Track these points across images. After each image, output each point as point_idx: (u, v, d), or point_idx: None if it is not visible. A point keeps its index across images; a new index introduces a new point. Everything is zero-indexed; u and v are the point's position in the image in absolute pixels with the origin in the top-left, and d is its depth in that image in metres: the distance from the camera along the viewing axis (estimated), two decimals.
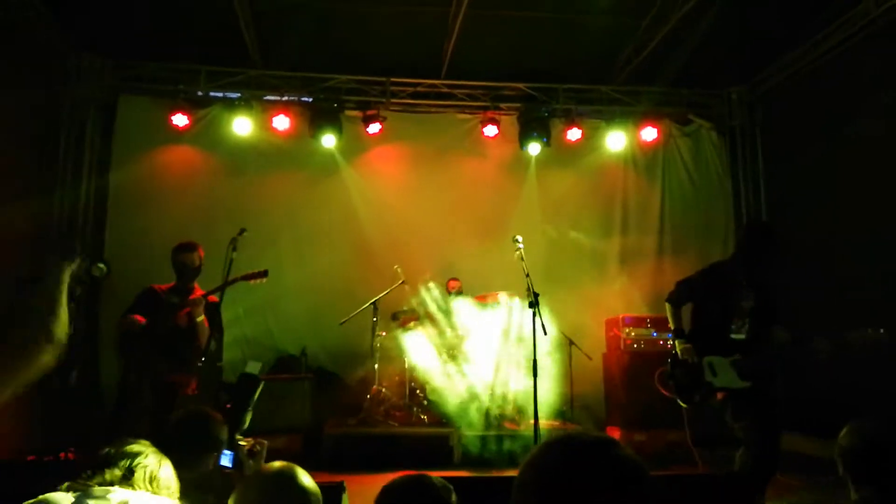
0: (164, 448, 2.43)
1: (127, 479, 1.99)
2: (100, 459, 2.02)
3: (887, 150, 6.37)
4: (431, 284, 7.66)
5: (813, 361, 4.07)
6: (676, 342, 4.41)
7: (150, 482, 2.03)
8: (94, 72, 7.92)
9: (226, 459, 2.69)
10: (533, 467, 1.12)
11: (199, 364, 4.77)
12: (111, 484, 1.96)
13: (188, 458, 2.48)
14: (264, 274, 5.04)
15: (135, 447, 2.08)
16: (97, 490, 1.91)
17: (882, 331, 3.83)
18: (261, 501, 1.81)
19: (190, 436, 2.58)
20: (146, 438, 2.08)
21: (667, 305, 4.56)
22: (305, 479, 1.88)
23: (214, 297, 4.97)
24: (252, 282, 5.03)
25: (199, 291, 5.05)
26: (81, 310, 7.46)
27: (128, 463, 2.01)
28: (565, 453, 1.10)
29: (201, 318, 4.85)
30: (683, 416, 4.93)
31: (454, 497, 1.93)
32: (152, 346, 4.81)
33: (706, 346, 4.34)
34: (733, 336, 4.32)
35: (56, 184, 7.63)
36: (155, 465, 2.08)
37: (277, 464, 1.92)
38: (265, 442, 2.86)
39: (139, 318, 4.81)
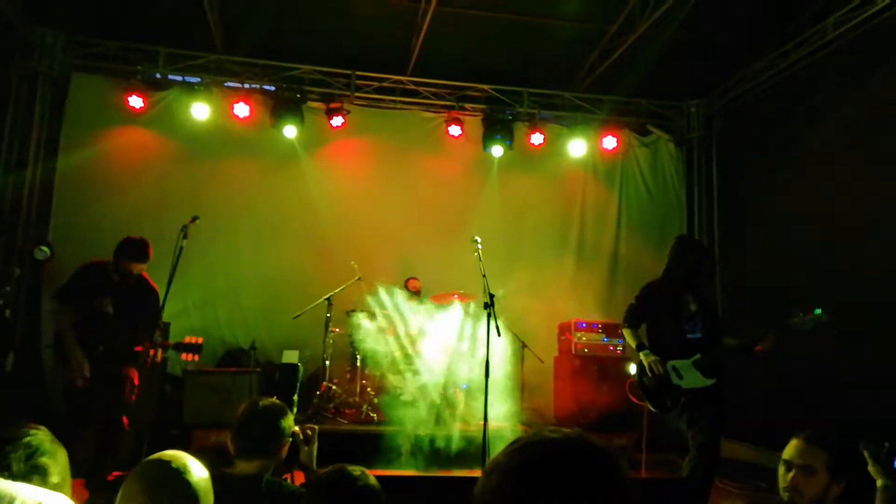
0: (241, 439, 2.55)
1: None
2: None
3: (838, 167, 6.59)
4: (389, 285, 7.61)
5: (761, 359, 4.27)
6: (641, 354, 4.53)
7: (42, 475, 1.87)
8: (47, 46, 7.61)
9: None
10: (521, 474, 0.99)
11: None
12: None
13: (266, 449, 2.59)
14: (198, 350, 4.83)
15: (33, 438, 1.89)
16: None
17: (819, 311, 4.00)
18: (144, 492, 1.72)
19: (265, 426, 2.63)
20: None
21: (624, 330, 4.70)
22: (196, 471, 1.79)
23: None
24: (184, 356, 4.84)
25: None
26: (21, 292, 7.21)
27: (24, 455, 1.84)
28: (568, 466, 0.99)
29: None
30: (643, 420, 5.02)
31: (374, 481, 2.02)
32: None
33: (667, 352, 4.47)
34: (689, 336, 4.47)
35: (0, 162, 7.32)
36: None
37: (168, 453, 1.83)
38: (316, 427, 2.90)
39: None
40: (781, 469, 2.55)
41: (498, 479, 1.00)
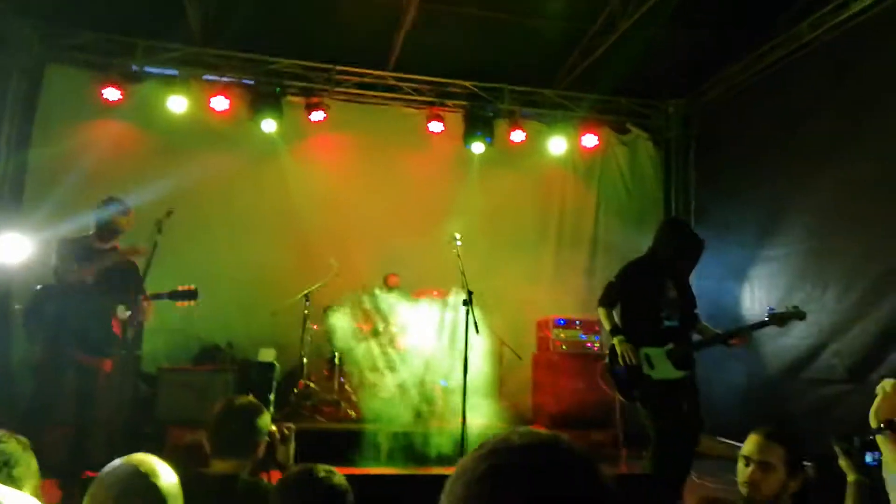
0: (217, 439, 2.52)
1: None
2: None
3: (815, 169, 6.66)
4: (368, 282, 7.57)
5: (740, 353, 4.32)
6: (615, 340, 4.41)
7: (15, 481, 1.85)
8: (22, 37, 7.41)
9: None
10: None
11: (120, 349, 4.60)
12: None
13: (242, 448, 2.56)
14: (194, 295, 4.78)
15: (6, 446, 1.87)
16: None
17: (795, 307, 4.21)
18: (112, 497, 1.68)
19: (241, 425, 2.59)
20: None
21: (600, 310, 4.56)
22: (165, 476, 1.76)
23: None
24: (179, 304, 4.78)
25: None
26: None
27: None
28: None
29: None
30: (616, 415, 4.99)
31: (341, 480, 2.03)
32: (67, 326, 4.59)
33: (641, 338, 4.37)
34: (667, 323, 4.39)
35: None
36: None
37: (136, 457, 1.78)
38: (293, 425, 2.85)
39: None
40: (741, 464, 2.59)
41: (462, 489, 0.89)
